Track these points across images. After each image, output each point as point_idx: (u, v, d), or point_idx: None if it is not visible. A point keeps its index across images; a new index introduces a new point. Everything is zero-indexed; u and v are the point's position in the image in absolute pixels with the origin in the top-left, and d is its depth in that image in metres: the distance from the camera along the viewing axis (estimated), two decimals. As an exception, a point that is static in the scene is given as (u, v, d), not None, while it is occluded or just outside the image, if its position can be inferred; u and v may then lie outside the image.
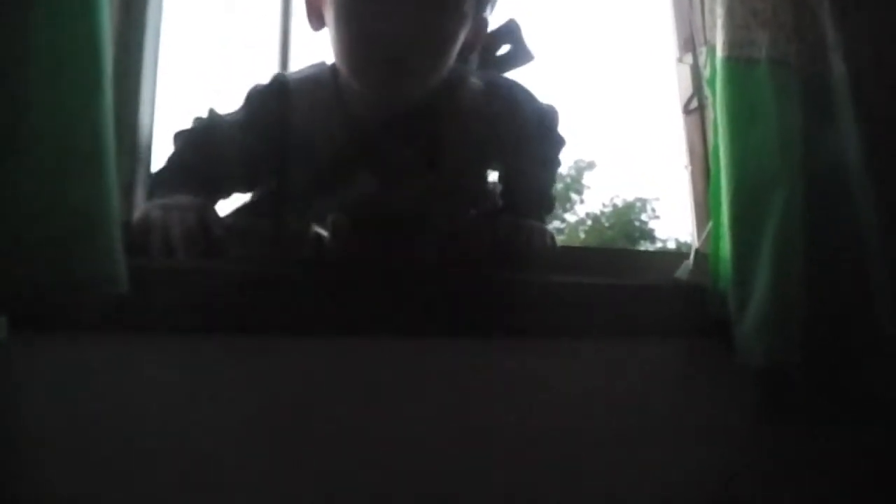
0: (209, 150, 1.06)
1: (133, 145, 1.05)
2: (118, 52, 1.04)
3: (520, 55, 1.30)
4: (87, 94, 0.66)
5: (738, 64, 1.05)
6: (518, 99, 1.21)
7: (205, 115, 1.11)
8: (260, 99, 1.10)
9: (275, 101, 1.10)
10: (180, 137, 1.09)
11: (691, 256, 1.12)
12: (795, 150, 1.01)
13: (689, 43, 1.43)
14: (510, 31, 1.30)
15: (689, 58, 1.44)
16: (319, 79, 1.12)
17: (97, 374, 0.80)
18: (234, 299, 0.85)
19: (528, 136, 1.20)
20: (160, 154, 1.10)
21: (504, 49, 1.31)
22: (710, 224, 1.10)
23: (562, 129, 1.27)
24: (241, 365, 0.85)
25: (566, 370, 0.97)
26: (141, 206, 0.98)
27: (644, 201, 16.61)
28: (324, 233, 0.93)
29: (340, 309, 0.89)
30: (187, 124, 1.11)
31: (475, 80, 1.17)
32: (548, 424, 0.94)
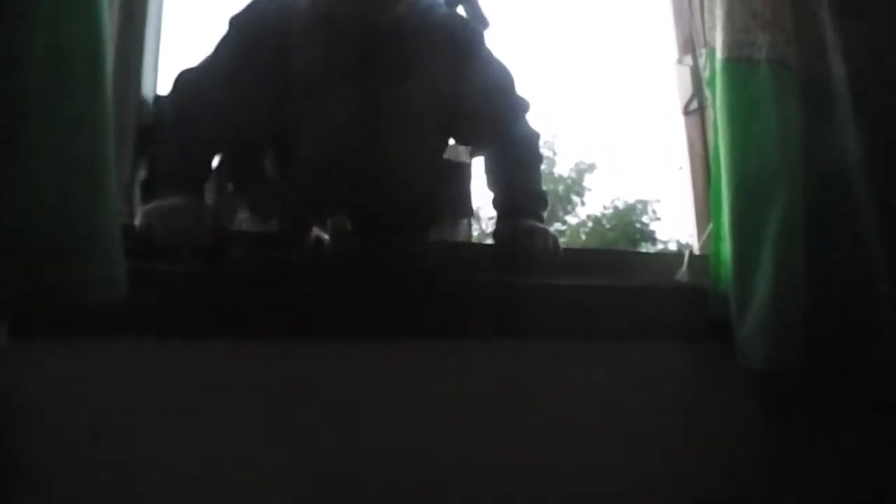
0: (203, 104, 1.03)
1: (133, 147, 1.05)
2: (118, 54, 1.04)
3: (474, 20, 1.21)
4: (88, 97, 0.65)
5: (738, 65, 1.05)
6: (483, 55, 1.18)
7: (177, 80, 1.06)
8: (245, 23, 1.09)
9: (259, 23, 1.09)
10: (171, 110, 1.05)
11: (685, 258, 1.12)
12: (796, 152, 1.01)
13: (689, 44, 1.43)
14: None
15: (688, 59, 1.43)
16: (295, 4, 1.12)
17: (98, 378, 0.79)
18: (234, 303, 0.85)
19: (488, 92, 1.17)
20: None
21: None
22: (711, 225, 1.10)
23: (531, 121, 1.25)
24: (241, 368, 0.85)
25: (567, 372, 0.97)
26: (140, 209, 0.97)
27: (645, 203, 16.59)
28: (324, 235, 0.93)
29: (341, 311, 0.89)
30: (172, 90, 1.06)
31: (446, 13, 1.16)
32: (549, 426, 0.94)
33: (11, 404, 0.76)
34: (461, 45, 1.15)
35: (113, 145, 0.68)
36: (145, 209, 0.92)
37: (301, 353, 0.86)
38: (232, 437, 0.82)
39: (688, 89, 1.44)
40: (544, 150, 1.30)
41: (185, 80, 1.06)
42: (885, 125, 1.01)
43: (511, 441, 0.92)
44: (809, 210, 0.99)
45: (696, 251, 1.24)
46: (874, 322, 0.97)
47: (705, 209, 1.28)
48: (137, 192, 1.06)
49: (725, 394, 1.03)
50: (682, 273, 1.11)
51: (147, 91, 1.11)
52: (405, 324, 0.91)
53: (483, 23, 1.23)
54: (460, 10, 1.21)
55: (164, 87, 1.16)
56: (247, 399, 0.84)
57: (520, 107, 1.23)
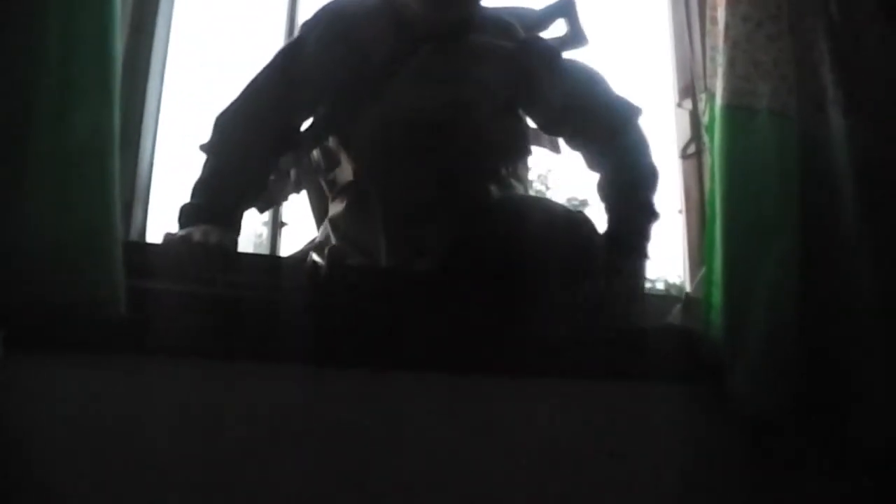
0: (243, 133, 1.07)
1: (135, 165, 1.05)
2: (125, 73, 1.05)
3: (573, 37, 1.22)
4: (96, 115, 0.66)
5: (738, 112, 1.06)
6: (559, 63, 1.19)
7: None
8: (316, 30, 1.13)
9: (332, 25, 1.13)
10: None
11: (682, 301, 1.12)
12: (793, 201, 1.02)
13: (689, 89, 1.45)
14: (564, 8, 1.23)
15: (688, 103, 1.45)
16: (374, 5, 1.15)
17: (93, 394, 0.79)
18: (229, 325, 0.85)
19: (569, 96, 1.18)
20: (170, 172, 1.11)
21: (554, 29, 1.24)
22: (704, 270, 1.10)
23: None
24: (233, 390, 0.84)
25: (556, 412, 0.97)
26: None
27: (635, 241, 16.65)
28: (320, 262, 0.92)
29: (335, 339, 0.89)
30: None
31: (516, 27, 1.19)
32: (536, 466, 0.93)
33: (5, 414, 0.75)
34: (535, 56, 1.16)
35: (117, 164, 0.68)
36: (169, 234, 0.92)
37: (298, 380, 0.86)
38: (225, 457, 0.82)
39: (686, 133, 1.45)
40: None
41: (225, 118, 1.09)
42: (883, 179, 1.01)
43: (497, 480, 0.91)
44: (804, 259, 0.99)
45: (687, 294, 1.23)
46: (865, 374, 0.97)
47: (699, 252, 1.28)
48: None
49: (716, 438, 1.03)
50: (676, 315, 1.11)
51: (151, 103, 1.12)
52: (392, 356, 0.91)
53: (582, 40, 1.22)
54: (561, 24, 1.21)
55: (167, 97, 1.17)
56: (241, 420, 0.83)
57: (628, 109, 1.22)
